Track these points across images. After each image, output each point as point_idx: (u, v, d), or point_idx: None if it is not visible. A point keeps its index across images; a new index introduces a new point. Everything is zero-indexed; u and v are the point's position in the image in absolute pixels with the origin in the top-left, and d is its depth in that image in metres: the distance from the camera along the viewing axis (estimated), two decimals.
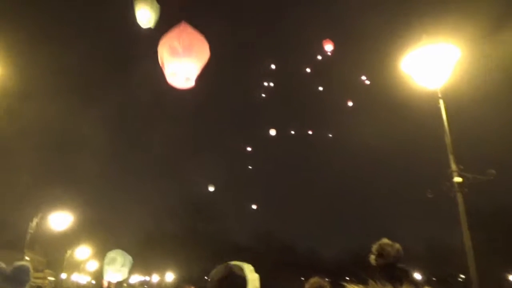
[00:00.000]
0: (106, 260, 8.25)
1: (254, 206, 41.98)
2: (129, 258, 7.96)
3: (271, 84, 36.22)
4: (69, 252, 28.25)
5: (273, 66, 35.42)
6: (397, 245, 3.20)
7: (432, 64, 6.32)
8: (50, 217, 15.10)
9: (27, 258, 21.60)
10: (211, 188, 33.45)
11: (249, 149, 39.80)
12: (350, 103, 34.87)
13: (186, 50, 5.04)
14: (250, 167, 43.59)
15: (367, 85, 33.63)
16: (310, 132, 41.01)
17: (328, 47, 24.79)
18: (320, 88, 36.99)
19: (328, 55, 32.19)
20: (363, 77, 33.22)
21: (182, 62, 5.12)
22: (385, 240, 3.28)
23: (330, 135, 44.36)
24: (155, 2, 10.08)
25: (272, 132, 34.31)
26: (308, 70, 36.40)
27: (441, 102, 6.27)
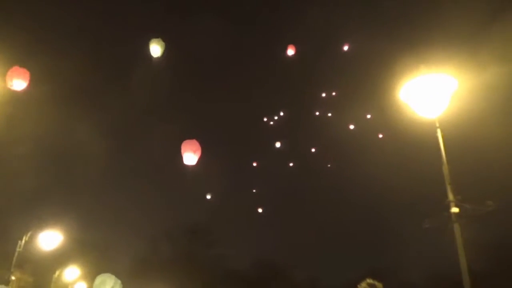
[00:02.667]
0: (95, 283, 7.99)
1: (260, 210, 41.02)
2: (119, 283, 7.69)
3: (279, 115, 36.84)
4: (57, 272, 27.56)
5: (281, 113, 36.31)
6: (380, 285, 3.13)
7: (430, 94, 6.36)
8: (40, 236, 14.80)
9: (13, 277, 21.05)
10: (208, 196, 33.04)
11: (254, 164, 39.56)
12: (351, 126, 35.29)
13: (194, 151, 13.03)
14: (254, 190, 43.10)
15: (369, 114, 34.08)
16: (307, 154, 41.20)
17: (290, 51, 25.70)
18: (329, 114, 37.45)
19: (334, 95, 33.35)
20: (368, 116, 33.93)
21: (192, 155, 13.04)
22: (369, 280, 3.23)
23: (329, 165, 44.31)
24: (161, 40, 16.72)
25: (277, 144, 34.39)
26: (316, 112, 37.33)
27: (439, 131, 6.27)
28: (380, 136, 34.38)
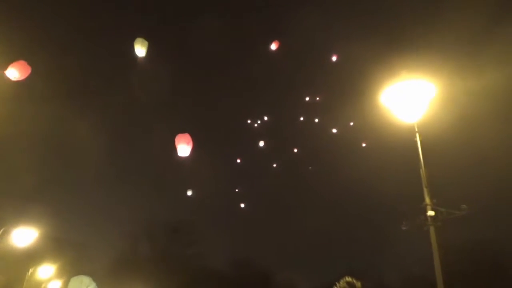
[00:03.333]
0: (70, 284, 7.81)
1: (242, 205, 40.60)
2: (93, 285, 7.58)
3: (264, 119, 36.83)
4: (31, 270, 26.80)
5: (265, 117, 36.39)
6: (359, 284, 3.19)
7: (410, 99, 6.50)
8: (14, 232, 14.38)
9: None
10: (189, 192, 32.66)
11: (238, 161, 39.39)
12: (334, 130, 35.70)
13: (187, 143, 14.42)
14: (236, 190, 42.84)
15: (352, 119, 34.51)
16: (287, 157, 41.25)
17: (273, 46, 26.54)
18: (317, 119, 37.72)
19: (317, 100, 33.89)
20: (351, 123, 34.44)
21: (186, 147, 14.39)
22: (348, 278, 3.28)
23: (310, 168, 44.61)
24: (145, 41, 17.74)
25: (261, 144, 34.46)
26: (301, 118, 37.61)
27: (418, 136, 6.40)
28: (364, 145, 34.90)
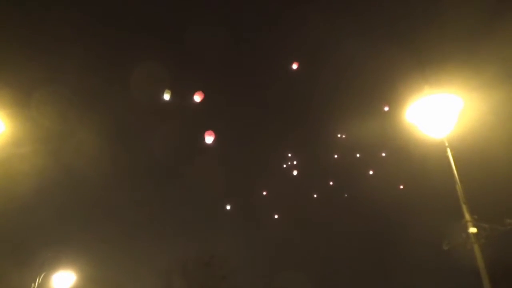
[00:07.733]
0: None
1: (276, 216, 39.94)
2: None
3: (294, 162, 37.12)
4: None
5: (289, 154, 36.76)
6: None
7: (437, 114, 6.36)
8: (53, 277, 14.67)
9: None
10: (228, 207, 33.73)
11: (264, 193, 39.16)
12: (370, 172, 35.59)
13: (211, 136, 26.34)
14: (276, 216, 42.36)
15: (374, 135, 34.09)
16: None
17: (294, 66, 30.18)
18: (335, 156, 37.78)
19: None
20: (383, 153, 34.25)
21: (210, 138, 25.87)
22: None
23: (346, 195, 43.79)
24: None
25: (294, 173, 34.75)
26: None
27: (449, 151, 6.22)
28: (401, 187, 34.56)
